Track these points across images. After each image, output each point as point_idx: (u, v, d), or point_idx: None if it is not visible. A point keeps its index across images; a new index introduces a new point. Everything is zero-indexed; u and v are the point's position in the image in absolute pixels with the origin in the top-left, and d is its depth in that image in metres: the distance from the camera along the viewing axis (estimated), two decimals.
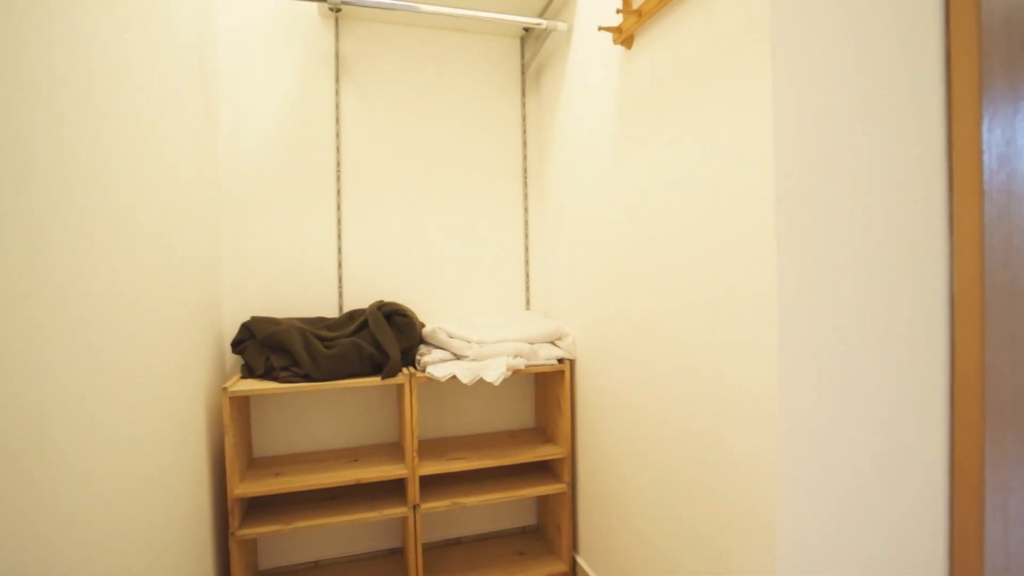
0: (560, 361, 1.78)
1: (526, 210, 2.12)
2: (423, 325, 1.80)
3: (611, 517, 1.57)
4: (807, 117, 0.55)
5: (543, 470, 1.92)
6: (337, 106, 1.91)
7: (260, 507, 1.67)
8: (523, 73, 2.12)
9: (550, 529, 1.96)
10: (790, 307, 0.55)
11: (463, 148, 2.05)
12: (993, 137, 0.40)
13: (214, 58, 1.75)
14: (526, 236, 2.12)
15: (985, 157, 0.40)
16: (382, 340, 1.65)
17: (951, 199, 0.42)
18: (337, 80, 1.92)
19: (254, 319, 1.70)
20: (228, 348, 1.79)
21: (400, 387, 1.74)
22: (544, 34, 1.91)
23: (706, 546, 1.13)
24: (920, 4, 0.44)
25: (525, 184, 2.12)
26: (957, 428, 0.42)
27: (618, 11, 1.40)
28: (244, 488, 1.53)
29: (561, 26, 1.80)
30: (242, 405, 1.67)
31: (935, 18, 0.44)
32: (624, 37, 1.43)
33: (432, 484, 1.80)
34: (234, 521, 1.50)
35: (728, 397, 1.06)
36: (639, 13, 1.35)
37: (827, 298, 0.53)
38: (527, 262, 2.12)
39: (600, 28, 1.46)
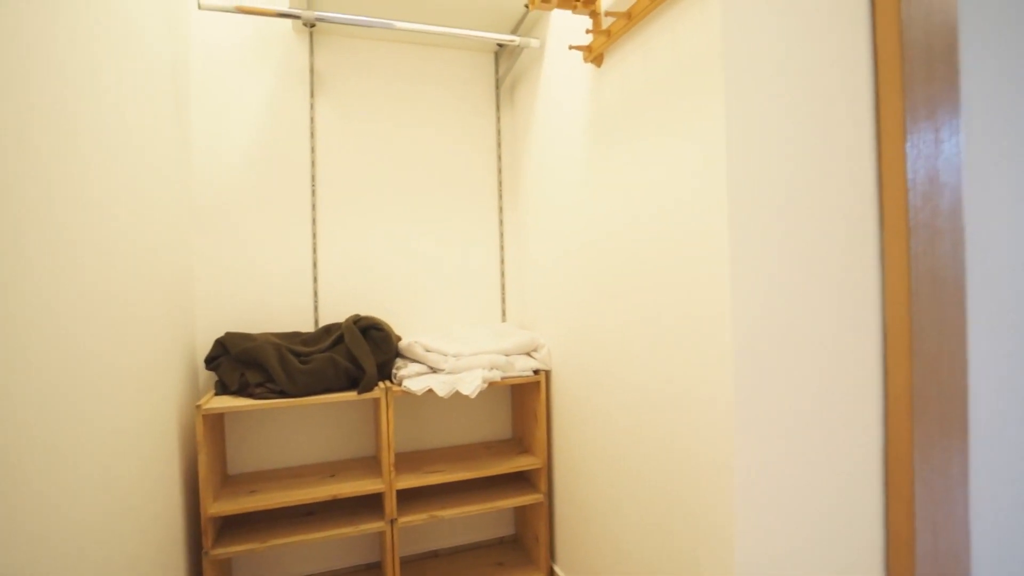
0: (536, 372, 1.80)
1: (501, 222, 2.15)
2: (399, 338, 1.81)
3: (587, 525, 1.59)
4: (756, 149, 0.59)
5: (521, 480, 1.93)
6: (312, 120, 1.92)
7: (235, 525, 1.65)
8: (497, 87, 2.15)
9: (528, 539, 1.98)
10: (742, 329, 0.58)
11: (439, 162, 2.07)
12: (917, 177, 0.44)
13: (188, 72, 1.74)
14: (502, 248, 2.15)
15: (911, 196, 0.43)
16: (358, 354, 1.65)
17: (882, 234, 0.46)
18: (312, 94, 1.92)
19: (228, 335, 1.69)
20: (202, 365, 1.77)
21: (376, 401, 1.74)
22: (517, 50, 1.94)
23: (676, 552, 1.16)
24: (851, 44, 0.48)
25: (500, 197, 2.15)
26: (890, 445, 0.45)
27: (588, 31, 1.44)
28: (218, 507, 1.51)
29: (534, 43, 1.83)
30: (216, 422, 1.66)
31: (865, 60, 0.47)
32: (594, 56, 1.47)
33: (410, 497, 1.80)
34: (208, 541, 1.49)
35: (691, 410, 1.11)
36: (608, 33, 1.39)
37: (774, 321, 0.56)
38: (503, 274, 2.15)
39: (571, 47, 1.50)
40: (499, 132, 2.15)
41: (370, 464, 1.84)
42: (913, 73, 0.43)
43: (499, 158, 2.15)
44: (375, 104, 2.00)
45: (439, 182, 2.07)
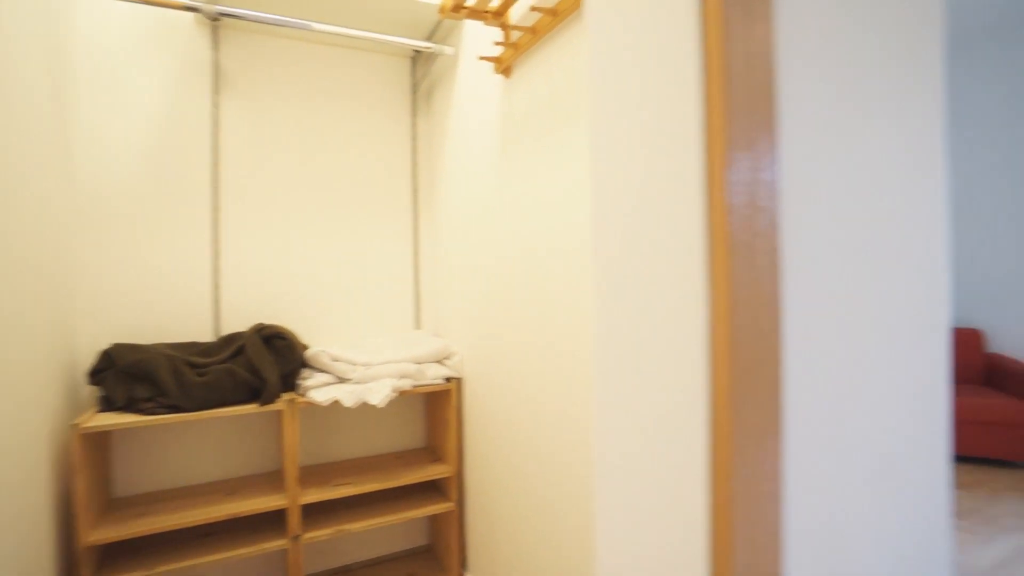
0: (448, 380, 1.80)
1: (417, 229, 2.13)
2: (307, 348, 1.75)
3: (496, 532, 1.60)
4: (614, 177, 0.62)
5: (434, 489, 1.92)
6: (216, 119, 1.82)
7: (122, 552, 1.53)
8: (415, 93, 2.13)
9: (440, 548, 1.96)
10: (601, 351, 0.62)
11: (353, 166, 2.03)
12: (738, 202, 0.48)
13: (71, 63, 1.60)
14: (416, 255, 2.13)
15: (732, 219, 0.47)
16: (260, 365, 1.58)
17: (709, 255, 0.49)
18: (216, 92, 1.83)
19: (116, 346, 1.57)
20: (85, 379, 1.64)
21: (280, 414, 1.67)
22: (433, 57, 1.94)
23: (565, 559, 1.20)
24: (684, 87, 0.52)
25: (416, 203, 2.13)
26: (715, 448, 0.49)
27: (496, 43, 1.46)
28: (99, 534, 1.39)
29: (448, 51, 1.84)
30: (99, 441, 1.53)
31: (695, 102, 0.51)
32: (504, 67, 1.49)
33: (317, 512, 1.74)
34: (85, 572, 1.37)
35: (568, 426, 1.20)
36: (515, 46, 1.42)
37: (627, 343, 0.60)
38: (417, 281, 2.13)
39: (480, 58, 1.51)
40: (415, 138, 2.13)
41: (274, 479, 1.76)
42: (734, 112, 0.47)
43: (415, 163, 2.13)
44: (286, 105, 1.93)
45: (353, 187, 2.03)
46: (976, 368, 3.28)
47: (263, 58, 1.89)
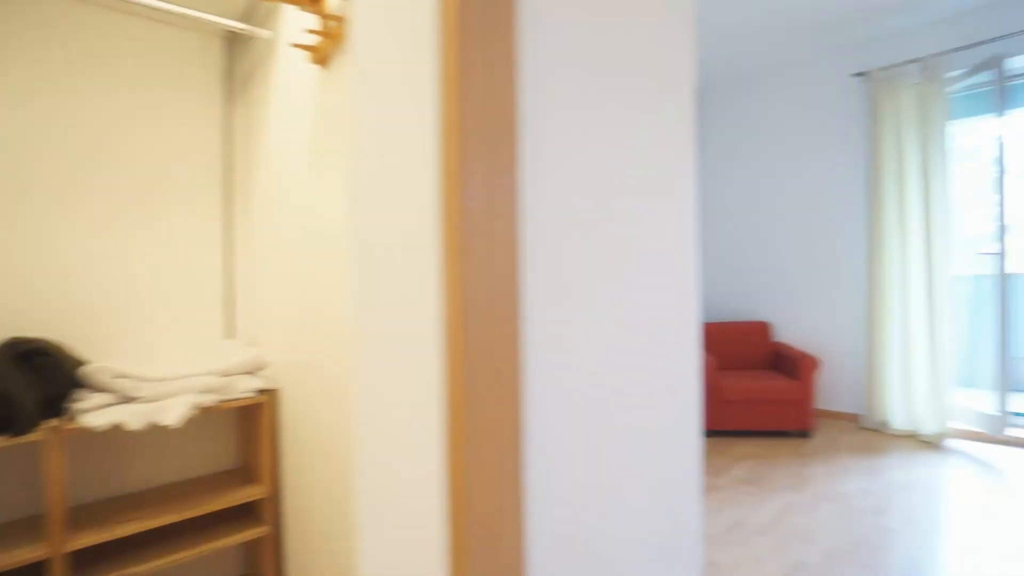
0: (262, 392, 1.64)
1: (230, 228, 1.93)
2: (82, 364, 1.48)
3: (319, 554, 1.50)
4: (369, 181, 0.60)
5: (250, 514, 1.74)
6: None
7: None
8: (231, 78, 1.93)
9: None
10: (360, 359, 0.60)
11: (150, 155, 1.77)
12: (474, 206, 0.48)
13: None
14: (230, 256, 1.93)
15: (466, 225, 0.47)
16: (9, 388, 1.30)
17: (444, 258, 0.49)
18: None
19: None
20: None
21: (40, 445, 1.40)
22: (251, 40, 1.78)
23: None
24: (424, 110, 0.51)
25: (230, 200, 1.93)
26: (450, 445, 0.49)
27: (309, 31, 1.37)
28: None
29: (264, 34, 1.69)
30: None
31: (432, 124, 0.51)
32: (320, 57, 1.41)
33: (100, 556, 1.48)
34: None
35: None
36: (332, 36, 1.35)
37: (378, 351, 0.58)
38: (230, 285, 1.93)
39: (292, 44, 1.41)
40: (230, 127, 1.93)
41: (36, 525, 1.47)
42: (471, 117, 0.48)
43: (229, 156, 1.93)
44: (67, 79, 1.62)
45: (150, 179, 1.77)
46: (764, 355, 3.86)
47: (36, 19, 1.58)
